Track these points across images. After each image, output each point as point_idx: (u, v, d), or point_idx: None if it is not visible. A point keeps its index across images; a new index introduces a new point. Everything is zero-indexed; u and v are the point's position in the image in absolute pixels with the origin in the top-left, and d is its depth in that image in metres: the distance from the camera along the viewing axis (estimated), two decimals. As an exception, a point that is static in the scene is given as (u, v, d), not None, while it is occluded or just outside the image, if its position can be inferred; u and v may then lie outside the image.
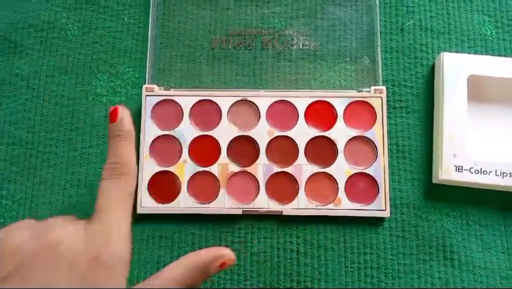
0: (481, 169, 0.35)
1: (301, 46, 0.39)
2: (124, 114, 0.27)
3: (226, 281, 0.35)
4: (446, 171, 0.35)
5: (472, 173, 0.35)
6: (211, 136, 0.37)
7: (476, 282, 0.34)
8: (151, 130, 0.37)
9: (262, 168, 0.36)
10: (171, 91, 0.38)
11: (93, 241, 0.23)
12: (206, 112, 0.37)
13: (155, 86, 0.37)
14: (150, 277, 0.24)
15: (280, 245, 0.36)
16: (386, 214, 0.35)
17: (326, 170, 0.36)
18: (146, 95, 0.37)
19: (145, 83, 0.38)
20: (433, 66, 0.39)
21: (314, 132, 0.37)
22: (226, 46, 0.39)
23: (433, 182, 0.36)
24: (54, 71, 0.39)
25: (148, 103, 0.37)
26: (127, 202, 0.25)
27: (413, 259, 0.35)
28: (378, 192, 0.36)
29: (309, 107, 0.37)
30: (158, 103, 0.37)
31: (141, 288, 0.24)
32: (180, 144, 0.37)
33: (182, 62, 0.39)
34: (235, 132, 0.37)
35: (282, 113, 0.37)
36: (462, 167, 0.35)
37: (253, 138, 0.37)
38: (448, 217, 0.36)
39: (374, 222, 0.36)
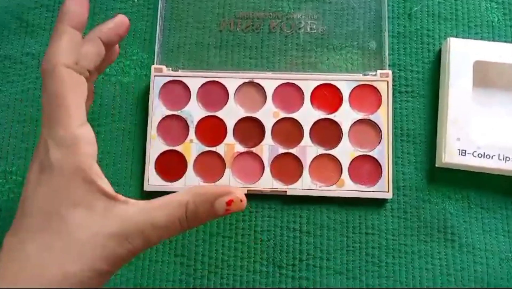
0: (484, 153, 0.35)
1: (308, 29, 0.39)
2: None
3: (230, 258, 0.36)
4: (450, 154, 0.35)
5: (475, 156, 0.35)
6: (217, 117, 0.37)
7: (476, 264, 0.35)
8: (159, 110, 0.37)
9: (268, 148, 0.37)
10: (179, 72, 0.38)
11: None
12: (213, 93, 0.38)
13: (164, 67, 0.38)
14: (157, 198, 0.24)
15: (284, 224, 0.36)
16: (389, 195, 0.36)
17: (331, 151, 0.36)
18: (155, 76, 0.38)
19: (153, 64, 0.38)
20: (439, 52, 0.39)
21: (320, 114, 0.37)
22: (234, 28, 0.40)
23: (436, 165, 0.37)
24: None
25: (156, 84, 0.38)
26: (55, 104, 0.24)
27: (414, 240, 0.36)
28: (381, 174, 0.36)
29: (315, 90, 0.37)
30: (166, 83, 0.38)
31: (142, 205, 0.23)
32: (187, 124, 0.37)
33: (191, 44, 0.39)
34: (242, 113, 0.37)
35: (288, 95, 0.37)
36: (465, 150, 0.35)
37: (259, 119, 0.37)
38: (450, 199, 0.36)
39: (377, 204, 0.36)
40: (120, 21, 0.28)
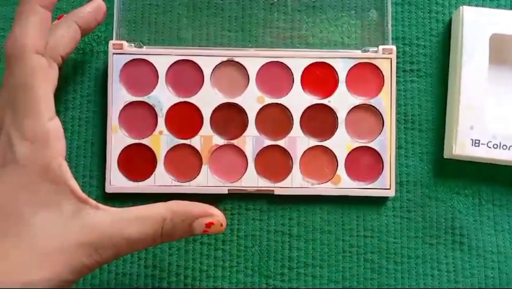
0: (500, 143, 0.31)
1: (298, -5, 0.34)
2: None
3: (209, 268, 0.31)
4: (461, 145, 0.31)
5: (490, 147, 0.31)
6: (191, 104, 0.32)
7: (487, 268, 0.32)
8: (120, 96, 0.32)
9: (251, 140, 0.32)
10: (144, 49, 0.32)
11: None
12: (186, 75, 0.32)
13: (125, 43, 0.32)
14: (133, 207, 0.24)
15: (271, 227, 0.32)
16: (390, 193, 0.32)
17: (324, 143, 0.32)
18: (114, 54, 0.32)
19: (112, 39, 0.32)
20: (450, 23, 0.34)
21: (312, 99, 0.32)
22: (209, -6, 0.34)
23: (445, 156, 0.33)
24: (5, 23, 0.33)
25: (116, 64, 0.32)
26: (23, 95, 0.23)
27: (418, 243, 0.32)
28: (383, 169, 0.32)
29: (306, 70, 0.32)
30: (128, 63, 0.32)
31: (115, 215, 0.23)
32: (155, 112, 0.32)
33: (157, 13, 0.33)
34: (220, 99, 0.32)
35: (275, 76, 0.32)
36: (479, 140, 0.31)
37: (240, 106, 0.32)
38: (459, 195, 0.33)
39: (377, 202, 0.32)
40: (98, 6, 0.28)
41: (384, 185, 0.32)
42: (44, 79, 0.23)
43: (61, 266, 0.21)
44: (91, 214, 0.22)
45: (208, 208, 0.24)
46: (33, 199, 0.21)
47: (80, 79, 0.33)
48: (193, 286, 0.31)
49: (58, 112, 0.32)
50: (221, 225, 0.23)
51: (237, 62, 0.32)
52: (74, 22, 0.26)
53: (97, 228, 0.22)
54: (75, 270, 0.21)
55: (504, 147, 0.31)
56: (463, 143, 0.31)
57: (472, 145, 0.31)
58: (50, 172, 0.22)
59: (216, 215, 0.23)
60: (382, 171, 0.32)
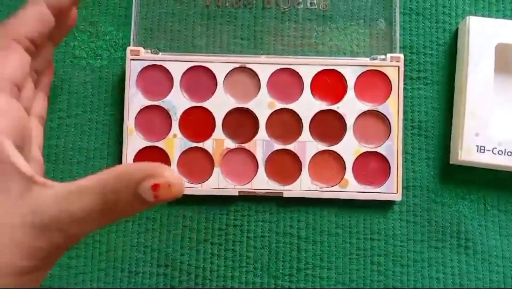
0: (505, 150, 0.31)
1: (308, 5, 0.34)
2: None
3: (219, 268, 0.32)
4: (467, 151, 0.31)
5: (495, 154, 0.31)
6: (204, 108, 0.33)
7: (492, 272, 0.32)
8: (136, 100, 0.33)
9: (262, 144, 0.33)
10: (160, 55, 0.33)
11: None
12: (200, 81, 0.33)
13: (141, 49, 0.33)
14: (77, 180, 0.20)
15: (280, 229, 0.33)
16: (397, 197, 0.32)
17: (333, 148, 0.33)
18: (131, 59, 0.33)
19: (129, 45, 0.33)
20: (456, 32, 0.34)
21: (321, 105, 0.33)
22: (222, 3, 0.35)
23: (451, 162, 0.33)
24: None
25: (133, 69, 0.33)
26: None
27: (424, 246, 0.32)
28: (390, 173, 0.32)
29: (315, 76, 0.33)
30: (144, 68, 0.33)
31: (59, 190, 0.19)
32: (170, 116, 0.33)
33: (173, 21, 0.34)
34: (232, 104, 0.33)
35: (285, 83, 0.33)
36: (484, 147, 0.31)
37: (252, 111, 0.33)
38: (465, 201, 0.33)
39: (384, 206, 0.33)
40: None
41: (391, 189, 0.32)
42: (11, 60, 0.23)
43: (11, 251, 0.18)
44: (38, 192, 0.19)
45: (152, 167, 0.18)
46: None
47: (98, 84, 0.34)
48: (203, 285, 0.32)
49: (76, 115, 0.33)
50: (169, 186, 0.18)
51: (249, 69, 0.33)
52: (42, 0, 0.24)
53: (41, 206, 0.19)
54: (29, 254, 0.19)
55: (509, 154, 0.31)
56: (469, 149, 0.32)
57: (478, 151, 0.31)
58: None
59: (161, 173, 0.18)
60: (389, 176, 0.32)
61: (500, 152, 0.31)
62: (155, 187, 0.18)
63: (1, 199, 0.19)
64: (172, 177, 0.18)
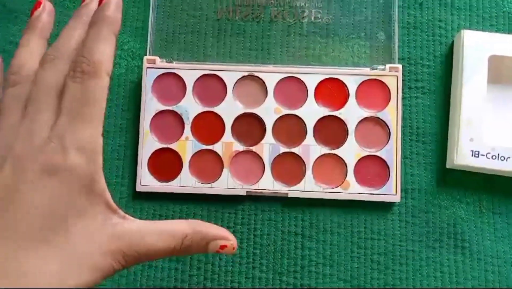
0: (498, 155, 0.33)
1: (312, 19, 0.37)
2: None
3: (228, 264, 0.34)
4: (462, 156, 0.33)
5: (489, 158, 0.33)
6: (215, 113, 0.35)
7: (487, 272, 0.33)
8: (152, 105, 0.35)
9: (268, 147, 0.34)
10: (174, 64, 0.36)
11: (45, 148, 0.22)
12: (211, 88, 0.35)
13: (157, 58, 0.35)
14: (158, 220, 0.24)
15: (285, 228, 0.34)
16: (396, 198, 0.34)
17: (335, 151, 0.34)
18: (147, 68, 0.35)
19: (146, 55, 0.36)
20: (452, 45, 0.36)
21: (324, 111, 0.35)
22: (232, 17, 0.37)
23: (447, 166, 0.35)
24: (51, 40, 0.37)
25: (149, 76, 0.35)
26: (90, 108, 0.23)
27: (422, 246, 0.34)
28: (389, 176, 0.34)
29: (319, 85, 0.35)
30: (159, 76, 0.35)
31: (141, 227, 0.23)
32: (183, 120, 0.35)
33: (186, 33, 0.37)
34: (241, 109, 0.35)
35: (291, 90, 0.35)
36: (478, 152, 0.33)
37: (259, 116, 0.35)
38: (461, 203, 0.34)
39: (383, 207, 0.34)
40: (118, 4, 0.25)
41: (390, 191, 0.34)
42: (106, 98, 0.24)
43: (94, 271, 0.21)
44: (120, 224, 0.23)
45: (224, 231, 0.25)
46: (75, 208, 0.22)
47: (116, 90, 0.36)
48: (212, 280, 0.33)
49: (95, 119, 0.36)
50: (233, 248, 0.25)
51: (257, 77, 0.35)
52: (114, 35, 0.25)
53: (126, 237, 0.22)
54: (105, 274, 0.22)
55: (502, 158, 0.33)
56: (464, 154, 0.33)
57: (472, 155, 0.33)
58: (93, 183, 0.22)
59: (231, 239, 0.25)
60: (388, 178, 0.34)
61: (493, 157, 0.33)
62: (223, 247, 0.24)
63: (89, 226, 0.22)
64: (235, 242, 0.25)
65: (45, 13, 0.27)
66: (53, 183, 0.21)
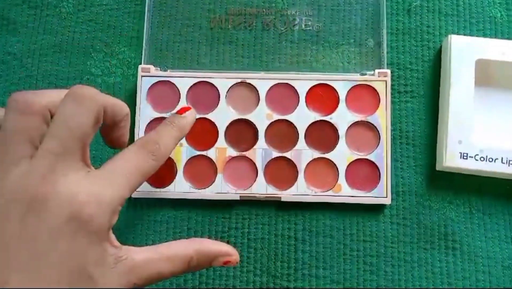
0: (486, 156, 0.34)
1: (303, 26, 0.38)
2: (192, 115, 0.29)
3: (222, 268, 0.34)
4: (451, 158, 0.34)
5: (477, 160, 0.34)
6: (208, 120, 0.36)
7: (478, 272, 0.34)
8: (146, 112, 0.36)
9: (261, 152, 0.35)
10: (168, 72, 0.36)
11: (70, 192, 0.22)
12: (204, 95, 0.36)
13: (151, 67, 0.36)
14: (160, 244, 0.25)
15: (278, 231, 0.35)
16: (387, 201, 0.34)
17: (327, 155, 0.35)
18: (142, 76, 0.36)
19: (141, 64, 0.37)
20: (440, 50, 0.37)
21: (315, 116, 0.36)
22: (225, 26, 0.38)
23: (437, 169, 0.35)
24: (48, 50, 0.38)
25: (144, 84, 0.36)
26: (135, 177, 0.24)
27: (413, 248, 0.34)
28: (380, 179, 0.35)
29: (310, 90, 0.36)
30: (154, 84, 0.36)
31: (147, 255, 0.24)
32: (177, 127, 0.35)
33: (180, 42, 0.38)
34: (234, 115, 0.36)
35: (283, 96, 0.36)
36: (467, 154, 0.34)
37: (251, 122, 0.36)
38: (451, 205, 0.35)
39: (375, 209, 0.35)
40: (193, 119, 0.29)
41: (381, 193, 0.35)
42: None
43: None
44: (128, 258, 0.23)
45: (227, 247, 0.26)
46: (92, 257, 0.22)
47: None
48: (207, 284, 0.34)
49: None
50: (236, 262, 0.26)
51: (249, 84, 0.36)
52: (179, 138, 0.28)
53: (136, 270, 0.23)
54: None
55: (490, 160, 0.34)
56: (453, 156, 0.34)
57: (461, 157, 0.34)
58: (106, 233, 0.22)
59: (233, 254, 0.26)
60: (379, 181, 0.35)
61: (482, 158, 0.34)
62: (227, 262, 0.26)
63: (106, 270, 0.22)
64: (238, 256, 0.26)
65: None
66: (75, 234, 0.21)
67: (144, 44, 0.37)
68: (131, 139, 0.36)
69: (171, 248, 0.25)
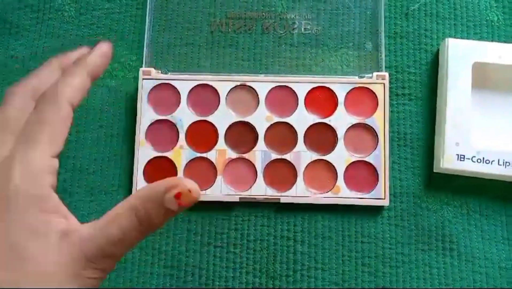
0: (483, 158, 0.34)
1: (302, 30, 0.38)
2: (101, 49, 0.26)
3: (221, 269, 0.34)
4: (448, 160, 0.34)
5: (474, 162, 0.34)
6: (208, 122, 0.36)
7: (475, 273, 0.34)
8: (147, 115, 0.36)
9: (260, 154, 0.36)
10: (169, 75, 0.37)
11: None
12: (204, 97, 0.36)
13: (153, 70, 0.37)
14: (109, 211, 0.22)
15: (277, 233, 0.35)
16: (385, 202, 0.35)
17: (325, 157, 0.35)
18: (143, 79, 0.36)
19: (142, 67, 0.37)
20: (437, 53, 0.38)
21: (314, 119, 0.36)
22: (225, 29, 0.38)
23: (434, 170, 0.36)
24: (50, 53, 0.38)
25: (145, 87, 0.36)
26: (40, 129, 0.23)
27: (411, 249, 0.35)
28: (378, 181, 0.35)
29: (309, 93, 0.36)
30: (155, 87, 0.36)
31: (94, 225, 0.22)
32: (177, 129, 0.36)
33: (181, 45, 0.38)
34: (233, 118, 0.36)
35: (282, 99, 0.36)
36: (464, 155, 0.34)
37: (251, 124, 0.36)
38: (448, 206, 0.35)
39: (373, 211, 0.35)
40: (105, 53, 0.27)
41: (379, 195, 0.35)
42: (64, 123, 0.24)
43: (65, 284, 0.21)
44: (76, 234, 0.22)
45: (171, 180, 0.21)
46: (26, 230, 0.21)
47: (113, 101, 0.37)
48: (206, 285, 0.34)
49: (93, 130, 0.37)
50: (189, 191, 0.21)
51: (249, 87, 0.36)
52: (88, 74, 0.25)
53: (84, 242, 0.21)
54: (79, 283, 0.21)
55: (487, 161, 0.34)
56: (450, 158, 0.34)
57: (458, 159, 0.34)
58: (42, 202, 0.22)
59: (180, 183, 0.21)
60: (377, 183, 0.35)
61: (478, 160, 0.34)
62: (178, 195, 0.21)
63: (47, 243, 0.21)
64: (189, 183, 0.21)
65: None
66: (1, 208, 0.21)
67: (145, 48, 0.37)
68: (132, 142, 0.36)
69: (115, 207, 0.22)
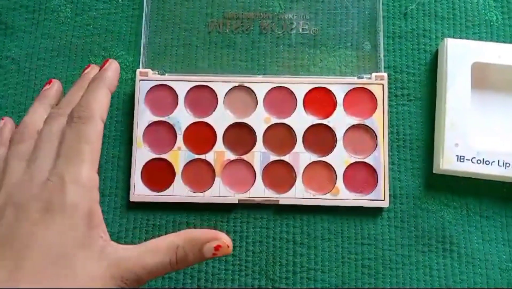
0: (483, 159, 0.34)
1: (300, 30, 0.38)
2: (113, 65, 0.30)
3: (221, 271, 0.34)
4: (448, 161, 0.34)
5: (474, 163, 0.34)
6: (206, 123, 0.36)
7: (476, 274, 0.34)
8: (144, 116, 0.36)
9: (259, 156, 0.35)
10: (166, 76, 0.37)
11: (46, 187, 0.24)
12: (202, 98, 0.36)
13: (149, 71, 0.36)
14: (149, 241, 0.25)
15: (276, 234, 0.35)
16: (385, 204, 0.35)
17: (324, 158, 0.35)
18: (140, 80, 0.36)
19: (139, 68, 0.37)
20: (436, 53, 0.38)
21: (313, 120, 0.36)
22: (223, 30, 0.38)
23: (434, 171, 0.35)
24: (46, 54, 0.38)
25: (142, 88, 0.36)
26: (85, 148, 0.25)
27: (411, 250, 0.34)
28: (377, 182, 0.35)
29: (307, 94, 0.36)
30: (152, 88, 0.36)
31: (134, 249, 0.25)
32: (175, 131, 0.36)
33: (178, 46, 0.38)
34: (232, 119, 0.36)
35: (280, 100, 0.36)
36: (464, 156, 0.34)
37: (249, 125, 0.36)
38: (448, 207, 0.35)
39: (373, 212, 0.35)
40: (117, 69, 0.31)
41: (379, 196, 0.35)
42: (100, 139, 0.27)
43: None
44: (114, 251, 0.24)
45: (214, 232, 0.25)
46: (75, 241, 0.23)
47: (110, 103, 0.37)
48: (205, 287, 0.34)
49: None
50: (228, 246, 0.25)
51: (247, 87, 0.36)
52: (109, 90, 0.29)
53: (122, 262, 0.24)
54: None
55: (487, 162, 0.34)
56: (449, 159, 0.34)
57: (458, 160, 0.34)
58: (92, 216, 0.24)
59: (222, 238, 0.25)
60: (377, 184, 0.35)
61: (478, 161, 0.34)
62: (217, 247, 0.25)
63: (89, 257, 0.23)
64: (228, 239, 0.25)
65: (54, 88, 0.32)
66: (55, 218, 0.23)
67: (142, 48, 0.37)
68: (129, 144, 0.36)
69: (157, 240, 0.25)
